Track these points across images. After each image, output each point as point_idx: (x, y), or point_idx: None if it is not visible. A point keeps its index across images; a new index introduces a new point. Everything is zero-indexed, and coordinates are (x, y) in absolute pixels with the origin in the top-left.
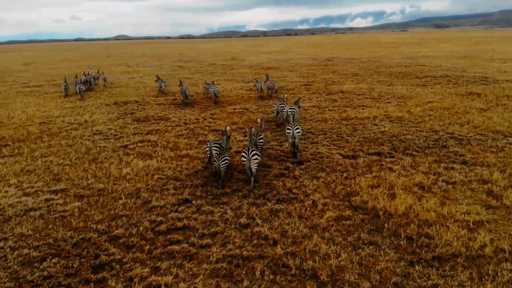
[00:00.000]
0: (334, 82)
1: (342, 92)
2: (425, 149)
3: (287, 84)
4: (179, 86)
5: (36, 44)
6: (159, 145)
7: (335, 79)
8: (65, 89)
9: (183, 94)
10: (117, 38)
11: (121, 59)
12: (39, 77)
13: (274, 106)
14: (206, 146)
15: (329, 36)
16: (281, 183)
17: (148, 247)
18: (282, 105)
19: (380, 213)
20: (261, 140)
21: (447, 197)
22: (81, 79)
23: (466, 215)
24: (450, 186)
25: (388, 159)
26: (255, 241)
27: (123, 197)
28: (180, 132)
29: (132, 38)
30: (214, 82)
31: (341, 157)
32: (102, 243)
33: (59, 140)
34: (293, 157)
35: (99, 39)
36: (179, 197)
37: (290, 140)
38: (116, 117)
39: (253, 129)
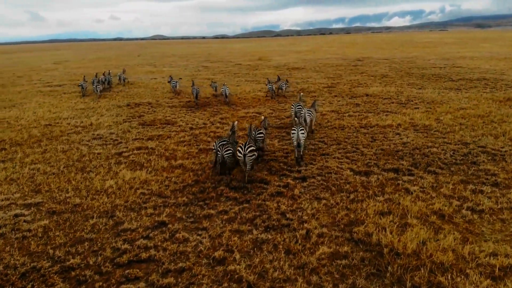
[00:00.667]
0: (360, 84)
1: (367, 95)
2: (451, 165)
3: (309, 86)
4: (191, 86)
5: (74, 43)
6: (156, 153)
7: (361, 81)
8: (82, 88)
9: (194, 95)
10: (153, 37)
11: (150, 59)
12: (64, 76)
13: (292, 108)
14: (213, 145)
15: (364, 35)
16: (275, 204)
17: (100, 284)
18: (300, 106)
19: (385, 250)
20: (261, 135)
21: (471, 230)
22: (99, 79)
23: (492, 258)
24: (476, 215)
25: (406, 177)
26: (225, 284)
27: (96, 216)
28: (182, 139)
29: (168, 38)
30: (225, 83)
31: (351, 173)
32: (52, 275)
33: (56, 144)
34: (296, 164)
35: (136, 39)
36: (156, 218)
37: (295, 142)
38: (123, 120)
39: (253, 125)
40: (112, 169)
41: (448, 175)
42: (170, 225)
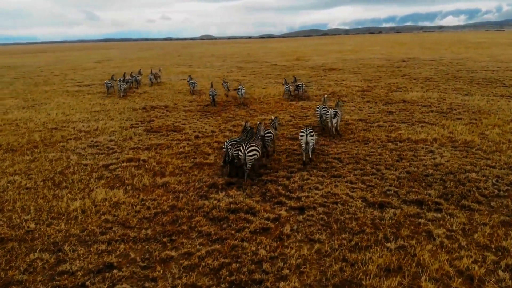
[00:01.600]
0: (399, 88)
1: (404, 101)
2: (492, 198)
3: (342, 90)
4: (210, 88)
5: (123, 43)
6: (146, 166)
7: (401, 85)
8: (108, 87)
9: (211, 97)
10: (201, 38)
11: (188, 59)
12: (97, 75)
13: (317, 110)
14: (223, 146)
15: (414, 34)
16: (254, 247)
17: None
18: (325, 109)
19: None
20: (269, 135)
21: None
22: (125, 78)
23: None
24: None
25: (430, 214)
26: None
27: (41, 248)
28: (181, 149)
29: (215, 38)
30: (241, 83)
31: (363, 204)
32: None
33: (49, 152)
34: (302, 165)
35: (185, 39)
36: (105, 258)
37: (303, 145)
38: (131, 125)
39: (262, 125)
40: (89, 186)
41: (486, 212)
42: (115, 270)
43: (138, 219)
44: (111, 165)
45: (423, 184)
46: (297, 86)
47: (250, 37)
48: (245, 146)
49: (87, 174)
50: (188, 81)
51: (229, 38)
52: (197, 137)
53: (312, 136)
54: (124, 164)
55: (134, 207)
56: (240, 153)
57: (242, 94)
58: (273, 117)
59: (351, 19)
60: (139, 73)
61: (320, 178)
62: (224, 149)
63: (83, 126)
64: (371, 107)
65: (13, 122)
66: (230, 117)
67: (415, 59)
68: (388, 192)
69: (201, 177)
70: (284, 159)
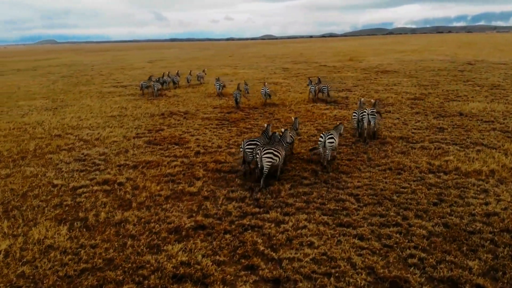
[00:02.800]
0: (458, 96)
1: (460, 114)
2: None
3: (390, 96)
4: (236, 90)
5: (186, 43)
6: (117, 192)
7: (461, 93)
8: (142, 87)
9: (234, 100)
10: (263, 38)
11: (237, 60)
12: (141, 76)
13: (354, 116)
14: (240, 147)
15: (486, 34)
16: None
17: None
18: (364, 114)
19: None
20: (290, 138)
21: None
22: (160, 79)
23: None
24: None
25: None
26: None
27: None
28: (170, 170)
29: (276, 38)
30: (266, 83)
31: (368, 280)
32: None
33: (32, 166)
34: (322, 168)
35: (247, 39)
36: None
37: (321, 149)
38: (136, 134)
39: (288, 132)
40: (37, 217)
41: None
42: None
43: (57, 278)
44: (81, 188)
45: (465, 247)
46: (322, 88)
47: (311, 36)
48: (263, 149)
49: (48, 200)
50: (215, 83)
51: (289, 37)
52: (197, 153)
53: (332, 140)
54: (96, 187)
55: (65, 256)
56: (257, 155)
57: (265, 94)
58: (293, 118)
59: (418, 17)
60: (177, 74)
61: (321, 228)
62: (241, 149)
63: (87, 134)
64: (418, 121)
65: (23, 126)
66: (247, 128)
67: (483, 62)
68: (410, 260)
69: (169, 214)
70: (286, 190)
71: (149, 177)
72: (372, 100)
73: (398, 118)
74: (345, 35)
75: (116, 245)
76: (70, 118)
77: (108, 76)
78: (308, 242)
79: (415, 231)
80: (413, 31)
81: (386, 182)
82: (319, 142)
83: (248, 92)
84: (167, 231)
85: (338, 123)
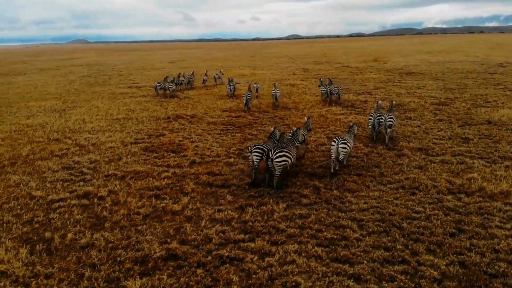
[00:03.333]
0: (487, 102)
1: (489, 123)
2: None
3: (412, 101)
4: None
5: (211, 43)
6: (94, 208)
7: (491, 98)
8: (157, 88)
9: (244, 101)
10: (288, 37)
11: (258, 60)
12: (157, 77)
13: (370, 120)
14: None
15: None
16: None
17: None
18: (380, 116)
19: None
20: (302, 136)
21: None
22: (174, 80)
23: None
24: None
25: None
26: None
27: None
28: (158, 183)
29: (302, 38)
30: (276, 84)
31: None
32: None
33: (18, 174)
34: (331, 176)
35: (272, 39)
36: None
37: (333, 156)
38: (134, 140)
39: (300, 131)
40: (1, 237)
41: None
42: None
43: None
44: (58, 202)
45: None
46: (333, 89)
47: (338, 36)
48: (274, 150)
49: (20, 215)
50: (227, 85)
51: (316, 37)
52: (192, 163)
53: (345, 145)
54: (74, 201)
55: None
56: (268, 159)
57: (276, 96)
58: (306, 118)
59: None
60: (192, 74)
61: (313, 263)
62: (249, 154)
63: (85, 138)
64: (441, 129)
65: (25, 129)
66: (252, 134)
67: None
68: None
69: (142, 238)
70: (280, 211)
71: (133, 190)
72: (380, 102)
73: (419, 126)
74: (373, 34)
75: (73, 276)
76: (74, 120)
77: (126, 76)
78: (294, 284)
79: (425, 272)
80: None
81: (397, 205)
82: (331, 148)
83: (257, 91)
84: (133, 260)
85: (351, 124)
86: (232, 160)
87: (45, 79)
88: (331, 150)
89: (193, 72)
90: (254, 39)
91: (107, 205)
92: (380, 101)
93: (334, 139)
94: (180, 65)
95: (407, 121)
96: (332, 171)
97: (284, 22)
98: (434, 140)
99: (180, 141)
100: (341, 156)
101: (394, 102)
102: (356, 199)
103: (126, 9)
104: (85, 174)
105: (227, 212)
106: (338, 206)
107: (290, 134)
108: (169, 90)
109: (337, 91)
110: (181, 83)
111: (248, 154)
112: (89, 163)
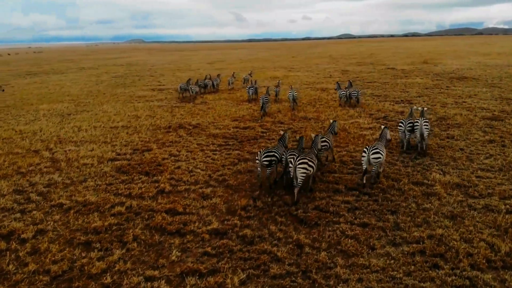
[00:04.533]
0: None
1: None
2: None
3: (459, 113)
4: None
5: (258, 43)
6: (8, 256)
7: None
8: (181, 90)
9: (261, 104)
10: (340, 37)
11: (298, 61)
12: (186, 79)
13: (401, 126)
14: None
15: None
16: None
17: None
18: (412, 123)
19: None
20: (325, 143)
21: None
22: (197, 81)
23: None
24: None
25: None
26: None
27: None
28: (100, 222)
29: (354, 37)
30: (292, 86)
31: None
32: None
33: None
34: (363, 186)
35: (323, 38)
36: None
37: (364, 166)
38: (114, 157)
39: (319, 137)
40: None
41: None
42: None
43: None
44: None
45: None
46: (352, 92)
47: (392, 36)
48: (297, 158)
49: None
50: (247, 88)
51: (368, 36)
52: (160, 192)
53: (378, 155)
54: None
55: None
56: (290, 165)
57: (293, 99)
58: (331, 121)
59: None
60: (218, 76)
61: None
62: (258, 161)
63: (65, 151)
64: (490, 155)
65: (14, 136)
66: (252, 152)
67: None
68: None
69: None
70: (234, 286)
71: (66, 232)
72: (419, 108)
73: (462, 149)
74: (430, 34)
75: None
76: (70, 128)
77: (156, 77)
78: None
79: None
80: (505, 31)
81: (407, 286)
82: (362, 158)
83: (277, 95)
84: None
85: (382, 128)
86: (208, 191)
87: (77, 78)
88: (362, 161)
89: (218, 74)
90: (304, 39)
91: (21, 253)
92: (415, 107)
93: (365, 148)
94: (217, 66)
95: (448, 141)
96: (363, 181)
97: (336, 21)
98: (479, 171)
99: (163, 159)
100: (374, 168)
101: (425, 109)
102: (349, 272)
103: (182, 10)
104: (31, 202)
105: (160, 282)
106: (319, 284)
107: (314, 138)
108: (192, 92)
109: (356, 94)
110: (207, 86)
111: (257, 161)
112: (44, 187)
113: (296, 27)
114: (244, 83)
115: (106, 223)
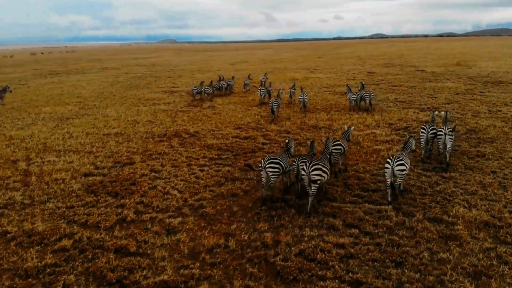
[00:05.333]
0: None
1: None
2: None
3: (492, 124)
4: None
5: (287, 43)
6: None
7: None
8: (195, 93)
9: (271, 109)
10: (372, 36)
11: (323, 62)
12: (208, 79)
13: (422, 134)
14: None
15: None
16: None
17: None
18: (435, 131)
19: None
20: (339, 149)
21: None
22: (211, 83)
23: None
24: None
25: None
26: None
27: None
28: (29, 263)
29: (387, 37)
30: (303, 89)
31: None
32: None
33: None
34: (389, 202)
35: (355, 38)
36: None
37: (388, 181)
38: (90, 171)
39: (330, 141)
40: None
41: None
42: None
43: None
44: None
45: None
46: (364, 95)
47: (426, 36)
48: (310, 165)
49: None
50: (259, 90)
51: (402, 36)
52: (120, 221)
53: (403, 167)
54: None
55: None
56: (303, 172)
57: (304, 102)
58: (346, 127)
59: None
60: (232, 78)
61: None
62: (261, 168)
63: (43, 163)
64: None
65: (2, 142)
66: (243, 170)
67: None
68: None
69: None
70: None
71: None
72: (442, 113)
73: (494, 172)
74: (466, 35)
75: None
76: (62, 134)
77: (174, 78)
78: None
79: None
80: None
81: None
82: (385, 170)
83: (291, 97)
84: None
85: (407, 137)
86: (176, 222)
87: (95, 79)
88: (385, 174)
89: (233, 76)
90: (335, 38)
91: None
92: (437, 112)
93: (388, 159)
94: (239, 67)
95: (477, 161)
96: (389, 199)
97: (368, 21)
98: (506, 206)
99: (142, 175)
100: (398, 180)
101: (448, 112)
102: None
103: (213, 10)
104: None
105: None
106: None
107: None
108: (206, 93)
109: (368, 97)
110: (221, 88)
111: (261, 167)
112: (21, 199)
113: (327, 27)
114: (260, 85)
115: (41, 263)
